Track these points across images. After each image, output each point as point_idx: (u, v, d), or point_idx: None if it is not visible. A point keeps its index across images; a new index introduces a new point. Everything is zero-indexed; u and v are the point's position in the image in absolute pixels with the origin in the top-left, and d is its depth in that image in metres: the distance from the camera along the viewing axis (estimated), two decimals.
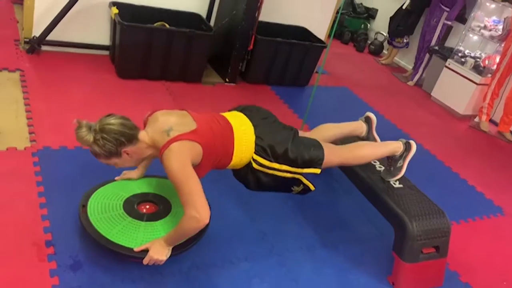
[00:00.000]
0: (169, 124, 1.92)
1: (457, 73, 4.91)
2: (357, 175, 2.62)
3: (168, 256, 1.92)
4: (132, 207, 2.16)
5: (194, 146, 1.90)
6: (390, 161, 2.51)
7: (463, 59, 4.91)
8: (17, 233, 2.02)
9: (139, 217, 2.11)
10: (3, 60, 3.38)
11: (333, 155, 2.27)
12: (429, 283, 2.42)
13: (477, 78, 4.74)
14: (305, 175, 2.20)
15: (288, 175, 2.17)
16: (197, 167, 1.93)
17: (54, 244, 2.02)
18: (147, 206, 2.21)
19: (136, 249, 1.91)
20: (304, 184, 2.22)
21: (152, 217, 2.13)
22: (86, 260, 1.99)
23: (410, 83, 5.54)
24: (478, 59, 4.85)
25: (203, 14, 4.09)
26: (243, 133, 2.10)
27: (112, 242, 1.93)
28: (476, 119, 4.82)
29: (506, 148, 4.49)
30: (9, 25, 3.94)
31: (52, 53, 3.68)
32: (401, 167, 2.47)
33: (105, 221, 2.02)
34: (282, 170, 2.14)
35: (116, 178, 2.29)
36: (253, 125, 2.15)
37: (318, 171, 2.21)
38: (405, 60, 6.07)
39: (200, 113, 2.09)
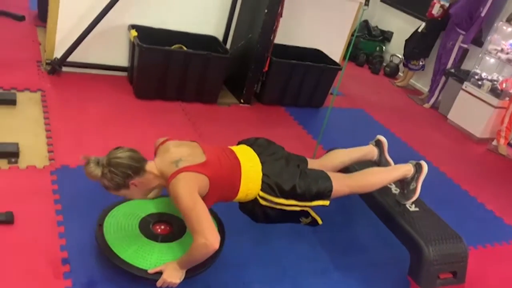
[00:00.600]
0: (179, 155, 1.97)
1: (474, 96, 4.87)
2: (372, 198, 2.60)
3: (182, 279, 1.93)
4: (147, 227, 2.18)
5: (202, 178, 1.94)
6: (403, 184, 2.50)
7: (479, 82, 4.89)
8: (34, 250, 2.05)
9: (154, 238, 2.13)
10: (25, 80, 3.47)
11: (342, 186, 2.28)
12: None
13: (494, 101, 4.70)
14: (313, 207, 2.22)
15: (297, 208, 2.18)
16: (203, 198, 1.94)
17: (70, 262, 2.04)
18: (162, 227, 2.23)
19: (150, 271, 1.92)
20: (312, 216, 2.24)
21: (166, 238, 2.14)
22: (101, 279, 2.00)
23: (426, 105, 5.51)
24: (495, 82, 4.82)
25: (220, 37, 4.16)
26: (250, 169, 2.12)
27: (127, 262, 1.94)
28: (494, 143, 4.76)
29: None
30: (32, 47, 4.06)
31: (72, 74, 3.77)
32: (415, 189, 2.45)
33: (120, 241, 2.04)
34: (289, 205, 2.16)
35: None
36: (261, 162, 2.17)
37: (327, 203, 2.23)
38: (421, 83, 6.06)
39: (210, 145, 2.13)
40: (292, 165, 2.23)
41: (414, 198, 2.49)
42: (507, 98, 4.68)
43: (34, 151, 2.72)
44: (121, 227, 2.12)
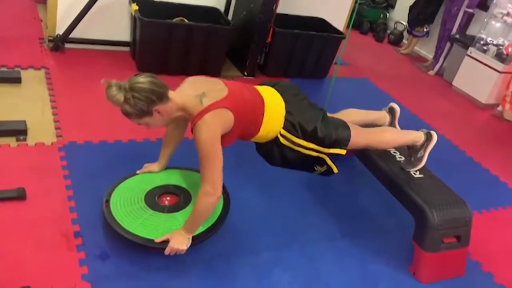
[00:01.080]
0: (202, 88, 1.93)
1: (479, 61, 4.82)
2: (377, 166, 2.62)
3: (189, 245, 1.97)
4: (153, 199, 2.22)
5: (227, 115, 1.91)
6: (411, 151, 2.51)
7: (485, 47, 4.83)
8: (47, 224, 2.11)
9: (160, 209, 2.17)
10: (29, 58, 3.48)
11: (360, 137, 2.29)
12: (450, 273, 2.42)
13: (499, 66, 4.65)
14: (330, 155, 2.22)
15: (314, 153, 2.18)
16: (226, 134, 1.95)
17: (82, 235, 2.10)
18: (168, 198, 2.27)
19: (157, 240, 1.96)
20: (327, 165, 2.24)
21: (172, 209, 2.18)
22: (112, 251, 2.06)
23: (431, 72, 5.47)
24: (501, 47, 4.76)
25: (221, 8, 4.12)
26: (273, 106, 2.11)
27: (135, 234, 1.99)
28: (499, 108, 4.74)
29: None
30: (33, 24, 4.04)
31: (75, 50, 3.76)
32: (422, 157, 2.47)
33: (127, 215, 2.08)
34: (308, 148, 2.15)
35: (137, 171, 2.35)
36: (284, 100, 2.16)
37: (343, 151, 2.22)
38: (426, 50, 5.99)
39: (231, 81, 2.08)
40: (315, 107, 2.25)
41: (420, 166, 2.51)
42: None
43: (42, 128, 2.75)
44: (127, 202, 2.16)
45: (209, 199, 1.90)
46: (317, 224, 2.56)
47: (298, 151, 2.16)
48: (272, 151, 2.19)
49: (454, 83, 5.11)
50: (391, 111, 2.68)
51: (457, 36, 5.21)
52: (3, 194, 2.17)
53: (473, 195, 3.14)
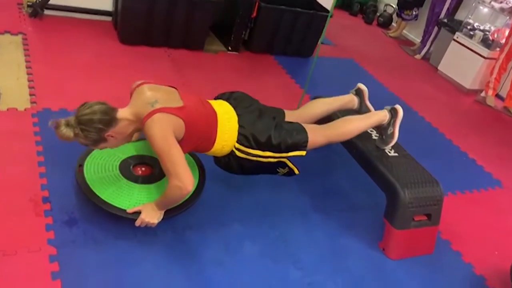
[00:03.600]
0: (155, 97, 1.92)
1: (465, 46, 4.82)
2: (353, 144, 2.62)
3: (160, 219, 1.97)
4: (128, 168, 2.20)
5: (177, 121, 1.91)
6: (380, 130, 2.52)
7: (471, 32, 4.82)
8: (16, 189, 2.08)
9: (134, 179, 2.16)
10: (6, 23, 3.39)
11: (318, 136, 2.30)
12: (419, 250, 2.45)
13: (485, 51, 4.66)
14: (290, 158, 2.24)
15: (273, 160, 2.20)
16: (179, 143, 1.92)
17: (51, 200, 2.08)
18: (143, 169, 2.26)
19: (129, 210, 1.96)
20: (289, 167, 2.27)
21: (146, 180, 2.17)
22: (81, 217, 2.04)
23: (418, 56, 5.46)
24: (487, 32, 4.76)
25: None
26: (227, 121, 2.12)
27: (106, 202, 1.98)
28: (483, 94, 4.76)
29: (510, 123, 4.45)
30: None
31: (55, 17, 3.68)
32: (392, 133, 2.47)
33: (100, 181, 2.07)
34: (265, 156, 2.17)
35: None
36: (237, 114, 2.16)
37: (303, 153, 2.25)
38: (414, 33, 5.97)
39: (187, 93, 2.08)
40: (267, 117, 2.24)
41: (392, 143, 2.51)
42: (498, 49, 4.64)
43: (15, 94, 2.70)
44: (102, 168, 2.15)
45: (178, 192, 1.88)
46: (289, 200, 2.57)
47: (257, 161, 2.17)
48: (229, 163, 2.19)
49: (440, 67, 5.12)
50: (358, 93, 2.65)
51: (445, 20, 5.20)
52: None
53: (449, 176, 3.18)
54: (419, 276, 2.31)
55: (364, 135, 2.63)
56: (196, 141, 2.04)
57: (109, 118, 1.87)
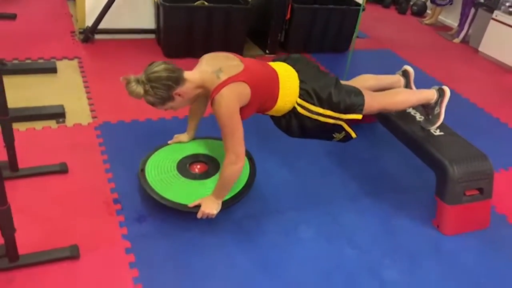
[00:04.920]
0: (219, 64, 2.03)
1: (505, 24, 4.73)
2: (398, 128, 2.68)
3: (219, 210, 2.12)
4: (184, 167, 2.37)
5: (243, 88, 2.00)
6: (427, 109, 2.56)
7: (510, 9, 4.72)
8: (89, 193, 2.30)
9: (192, 176, 2.33)
10: (63, 50, 3.71)
11: (373, 101, 2.35)
12: (474, 225, 2.47)
13: None
14: (347, 121, 2.30)
15: (331, 120, 2.25)
16: (244, 107, 2.06)
17: (121, 201, 2.28)
18: (198, 166, 2.42)
19: (190, 205, 2.12)
20: (346, 131, 2.32)
21: (202, 176, 2.33)
22: (149, 214, 2.23)
23: (456, 40, 5.40)
24: None
25: None
26: (287, 77, 2.20)
27: (169, 200, 2.15)
28: None
29: None
30: (64, 19, 4.29)
31: (104, 40, 3.97)
32: (439, 113, 2.51)
33: (161, 182, 2.25)
34: (325, 115, 2.22)
35: (169, 142, 2.52)
36: (296, 70, 2.24)
37: (359, 116, 2.29)
38: (451, 18, 5.90)
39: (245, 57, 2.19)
40: (327, 75, 2.32)
41: (438, 123, 2.55)
42: None
43: (78, 111, 2.96)
44: (161, 170, 2.32)
45: (233, 167, 2.03)
46: (339, 186, 2.65)
47: (316, 120, 2.23)
48: (290, 122, 2.26)
49: (481, 48, 5.04)
50: (405, 74, 2.72)
51: (482, 0, 5.12)
52: (47, 168, 2.38)
53: (499, 153, 3.17)
54: (476, 250, 2.33)
55: (408, 117, 2.69)
56: (261, 100, 2.13)
57: (176, 75, 1.96)
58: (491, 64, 4.85)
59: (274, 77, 2.18)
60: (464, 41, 5.38)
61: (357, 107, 2.27)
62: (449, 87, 2.56)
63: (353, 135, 2.33)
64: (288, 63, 2.30)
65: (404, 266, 2.17)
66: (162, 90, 1.94)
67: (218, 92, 1.97)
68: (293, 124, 2.26)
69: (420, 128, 2.61)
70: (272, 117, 2.34)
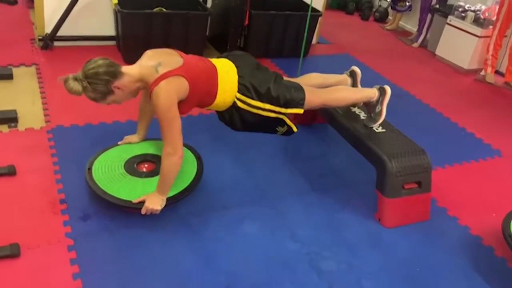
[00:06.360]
0: (158, 60, 2.10)
1: (459, 28, 4.93)
2: (343, 126, 2.78)
3: (163, 205, 2.17)
4: (132, 166, 2.42)
5: (181, 82, 2.07)
6: (369, 108, 2.67)
7: (463, 14, 4.92)
8: (35, 194, 2.33)
9: (138, 174, 2.38)
10: (21, 57, 3.73)
11: (314, 96, 2.43)
12: (414, 218, 2.56)
13: (478, 31, 4.75)
14: (288, 115, 2.38)
15: (272, 114, 2.33)
16: (183, 102, 2.12)
17: (67, 201, 2.31)
18: (146, 165, 2.47)
19: (134, 201, 2.17)
20: (287, 124, 2.40)
21: (150, 174, 2.38)
22: (94, 213, 2.27)
23: (415, 45, 5.58)
24: (478, 12, 4.85)
25: None
26: (226, 73, 2.27)
27: (114, 196, 2.20)
28: (482, 72, 4.83)
29: (511, 96, 4.50)
30: (25, 27, 4.30)
31: (64, 47, 4.00)
32: (380, 111, 2.62)
33: (107, 180, 2.29)
34: (265, 109, 2.30)
35: (118, 142, 2.57)
36: (236, 66, 2.32)
37: (301, 111, 2.38)
38: (410, 24, 6.09)
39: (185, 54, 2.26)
40: (266, 70, 2.40)
41: (380, 121, 2.66)
42: (491, 27, 4.72)
43: (32, 116, 2.98)
44: (108, 169, 2.37)
45: (171, 158, 2.10)
46: (288, 182, 2.73)
47: (257, 113, 2.31)
48: (232, 116, 2.34)
49: (437, 52, 5.22)
50: (352, 74, 2.82)
51: (437, 6, 5.31)
52: None
53: (446, 150, 3.31)
54: (415, 240, 2.43)
55: (352, 116, 2.80)
56: (200, 95, 2.20)
57: (114, 70, 2.02)
58: (446, 67, 5.03)
59: (212, 72, 2.24)
60: (423, 45, 5.56)
61: (297, 102, 2.35)
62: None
63: (294, 129, 2.42)
64: (229, 59, 2.37)
65: (343, 257, 2.24)
66: (100, 84, 2.00)
67: (157, 85, 2.03)
68: (235, 117, 2.33)
69: (363, 126, 2.71)
70: (217, 112, 2.42)
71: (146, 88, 2.15)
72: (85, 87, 2.00)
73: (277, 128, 2.43)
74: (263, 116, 2.33)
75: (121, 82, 2.06)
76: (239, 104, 2.29)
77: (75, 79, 2.00)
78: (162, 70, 2.06)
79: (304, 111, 2.42)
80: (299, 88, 2.39)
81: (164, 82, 2.04)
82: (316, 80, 2.69)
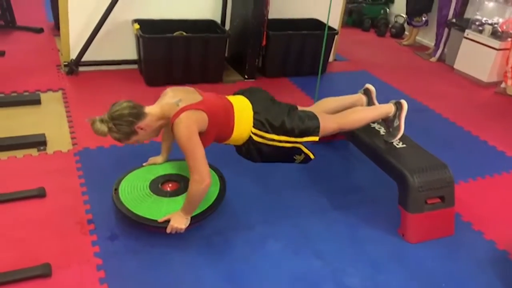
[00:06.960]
0: (179, 97, 2.21)
1: (476, 41, 4.92)
2: (363, 142, 2.80)
3: (187, 224, 2.22)
4: (157, 186, 2.48)
5: (201, 114, 2.17)
6: (387, 123, 2.69)
7: (480, 28, 4.92)
8: (64, 215, 2.40)
9: (163, 194, 2.43)
10: (48, 82, 3.87)
11: (329, 122, 2.49)
12: (438, 233, 2.55)
13: (496, 43, 4.74)
14: (304, 143, 2.43)
15: (288, 144, 2.40)
16: (203, 135, 2.20)
17: (94, 222, 2.38)
18: (170, 185, 2.53)
19: (159, 220, 2.22)
20: (304, 152, 2.45)
21: (174, 194, 2.44)
22: (121, 233, 2.32)
23: (433, 59, 5.58)
24: (495, 25, 4.84)
25: (218, 19, 4.43)
26: (242, 109, 2.37)
27: (140, 216, 2.25)
28: (503, 85, 4.79)
29: None
30: (51, 54, 4.48)
31: (88, 72, 4.14)
32: (399, 126, 2.63)
33: (133, 200, 2.35)
34: (281, 140, 2.37)
35: (143, 164, 2.64)
36: (251, 102, 2.41)
37: (316, 138, 2.43)
38: (427, 38, 6.10)
39: (204, 91, 2.36)
40: (280, 104, 2.48)
41: (399, 135, 2.67)
42: (509, 39, 4.71)
43: (59, 139, 3.09)
44: (134, 189, 2.44)
45: (199, 186, 2.15)
46: (309, 200, 2.75)
47: (272, 145, 2.38)
48: (249, 149, 2.42)
49: (455, 66, 5.21)
50: (366, 92, 2.85)
51: (454, 20, 5.33)
52: (26, 193, 2.49)
53: (469, 163, 3.28)
54: (440, 255, 2.41)
55: (372, 132, 2.81)
56: (218, 130, 2.29)
57: (137, 111, 2.14)
58: (465, 80, 5.01)
59: (229, 109, 2.34)
60: (441, 59, 5.56)
61: (312, 130, 2.41)
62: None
63: (311, 156, 2.47)
64: (245, 96, 2.47)
65: (367, 273, 2.24)
66: (125, 126, 2.12)
67: (177, 117, 2.13)
68: (252, 150, 2.41)
69: (383, 142, 2.72)
70: (235, 146, 2.49)
71: (168, 124, 2.24)
72: (110, 128, 2.11)
73: (294, 157, 2.48)
74: (278, 146, 2.40)
75: (144, 123, 2.17)
76: (255, 138, 2.36)
77: (102, 121, 2.11)
78: (182, 104, 2.16)
79: None
80: (313, 117, 2.44)
81: (184, 114, 2.13)
82: (330, 105, 2.74)
